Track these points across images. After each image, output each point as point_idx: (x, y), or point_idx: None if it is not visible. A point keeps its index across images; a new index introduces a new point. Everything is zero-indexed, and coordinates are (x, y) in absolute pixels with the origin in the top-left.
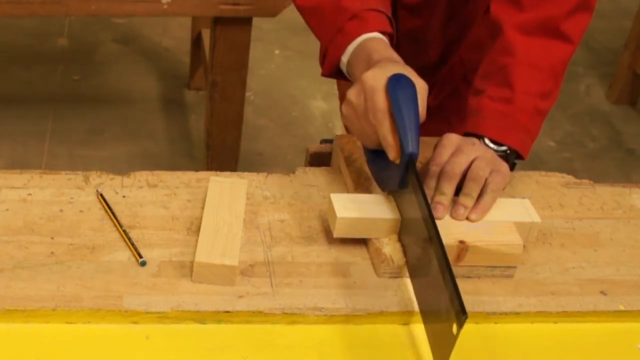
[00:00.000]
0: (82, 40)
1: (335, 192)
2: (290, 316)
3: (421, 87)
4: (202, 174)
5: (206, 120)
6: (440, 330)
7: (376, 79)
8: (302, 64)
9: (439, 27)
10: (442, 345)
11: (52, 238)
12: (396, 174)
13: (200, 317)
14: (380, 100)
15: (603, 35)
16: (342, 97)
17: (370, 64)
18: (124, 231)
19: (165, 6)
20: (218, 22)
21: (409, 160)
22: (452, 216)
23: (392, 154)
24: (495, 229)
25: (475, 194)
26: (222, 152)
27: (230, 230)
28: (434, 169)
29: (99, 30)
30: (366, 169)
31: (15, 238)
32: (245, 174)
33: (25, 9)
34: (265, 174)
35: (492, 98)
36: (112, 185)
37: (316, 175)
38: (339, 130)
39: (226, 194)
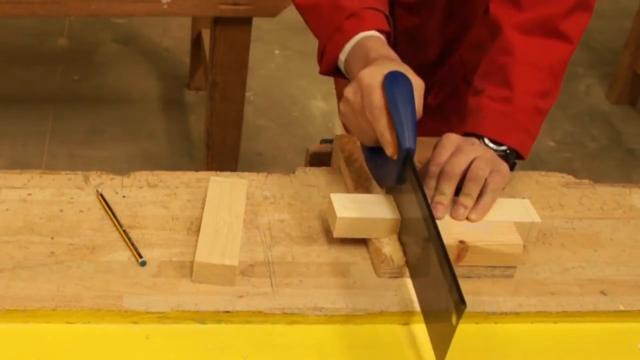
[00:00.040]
0: (82, 40)
1: (335, 192)
2: (290, 316)
3: (418, 85)
4: (202, 174)
5: (206, 120)
6: (440, 321)
7: (373, 76)
8: (302, 64)
9: (437, 26)
10: (441, 336)
11: (52, 238)
12: (394, 170)
13: (200, 317)
14: (377, 98)
15: (603, 35)
16: (340, 96)
17: (367, 61)
18: (124, 231)
19: (165, 6)
20: (218, 22)
21: (406, 156)
22: (452, 216)
23: (390, 150)
24: (495, 229)
25: (475, 194)
26: (222, 152)
27: (230, 230)
28: (434, 169)
29: (99, 30)
30: (366, 168)
31: (15, 238)
32: (245, 174)
33: (25, 9)
34: (265, 174)
35: (491, 98)
36: (112, 185)
37: (316, 175)
38: (339, 130)
39: (226, 194)
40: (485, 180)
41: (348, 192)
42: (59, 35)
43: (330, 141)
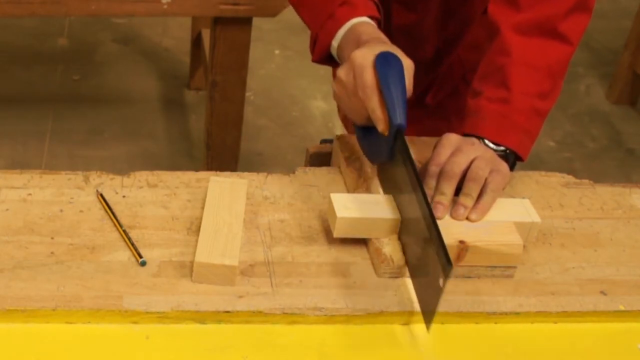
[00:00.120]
0: (82, 40)
1: (335, 192)
2: (290, 316)
3: (408, 65)
4: (202, 174)
5: (206, 120)
6: (428, 285)
7: (365, 57)
8: (302, 64)
9: (433, 24)
10: (429, 299)
11: (52, 238)
12: (385, 146)
13: (200, 317)
14: (369, 77)
15: (603, 35)
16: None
17: (359, 44)
18: (124, 231)
19: (165, 6)
20: (218, 22)
21: (397, 132)
22: (452, 216)
23: (381, 126)
24: (495, 229)
25: (475, 194)
26: (222, 152)
27: (230, 230)
28: (434, 168)
29: (99, 30)
30: (366, 169)
31: (15, 238)
32: (245, 174)
33: (25, 9)
34: (265, 174)
35: (489, 99)
36: (112, 185)
37: (316, 175)
38: (339, 130)
39: (226, 194)
40: (485, 180)
41: (348, 192)
42: (59, 35)
43: (330, 141)
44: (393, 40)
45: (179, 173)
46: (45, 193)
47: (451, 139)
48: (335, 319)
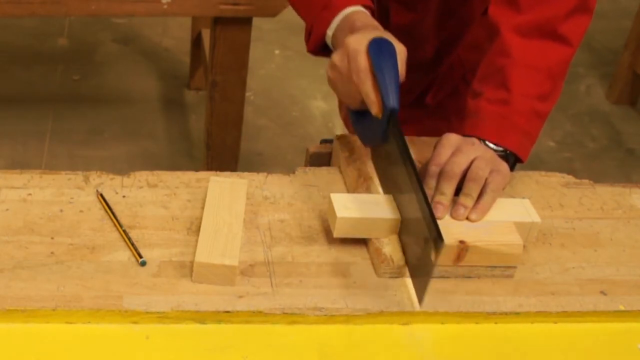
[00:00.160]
0: (82, 40)
1: (335, 192)
2: (290, 316)
3: (400, 50)
4: (202, 174)
5: (206, 120)
6: (420, 264)
7: (358, 42)
8: (302, 64)
9: (433, 23)
10: (421, 275)
11: (52, 238)
12: (379, 129)
13: (200, 317)
14: (363, 61)
15: (603, 35)
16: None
17: (353, 30)
18: (124, 231)
19: (165, 6)
20: (218, 22)
21: (390, 115)
22: (452, 216)
23: (375, 109)
24: (495, 229)
25: (475, 194)
26: (222, 152)
27: (230, 230)
28: (434, 169)
29: (99, 30)
30: (366, 169)
31: (15, 238)
32: (245, 174)
33: (25, 9)
34: (265, 174)
35: (489, 100)
36: (112, 185)
37: (316, 175)
38: (339, 130)
39: (226, 194)
40: (486, 180)
41: (348, 192)
42: (59, 35)
43: (330, 141)
44: None
45: (179, 173)
46: (45, 193)
47: (451, 139)
48: (335, 319)
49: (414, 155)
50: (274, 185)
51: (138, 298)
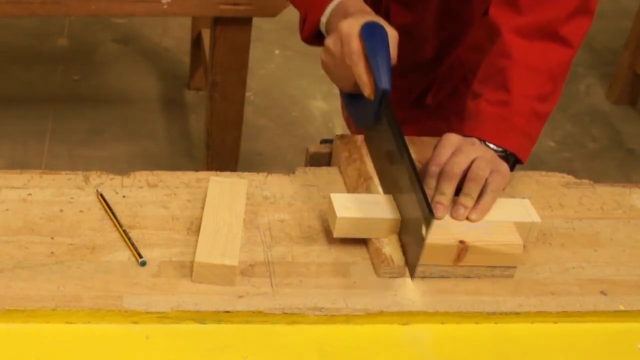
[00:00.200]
0: (82, 40)
1: (335, 192)
2: (290, 316)
3: (392, 34)
4: (202, 174)
5: (206, 120)
6: (412, 235)
7: (351, 26)
8: (302, 64)
9: (433, 24)
10: (413, 251)
11: (52, 238)
12: (371, 110)
13: (200, 317)
14: (355, 44)
15: (603, 35)
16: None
17: (346, 15)
18: (124, 231)
19: (165, 6)
20: (218, 22)
21: (382, 96)
22: (452, 216)
23: (367, 91)
24: (495, 229)
25: (475, 194)
26: (222, 152)
27: (230, 230)
28: (434, 169)
29: (99, 30)
30: (366, 169)
31: (15, 238)
32: (245, 174)
33: (25, 9)
34: (265, 174)
35: (489, 101)
36: (112, 185)
37: (316, 175)
38: (339, 130)
39: (226, 194)
40: (486, 180)
41: (348, 192)
42: (59, 35)
43: (330, 141)
44: None
45: (179, 173)
46: (45, 193)
47: (451, 139)
48: (335, 319)
49: (414, 155)
50: (274, 185)
51: (138, 298)
